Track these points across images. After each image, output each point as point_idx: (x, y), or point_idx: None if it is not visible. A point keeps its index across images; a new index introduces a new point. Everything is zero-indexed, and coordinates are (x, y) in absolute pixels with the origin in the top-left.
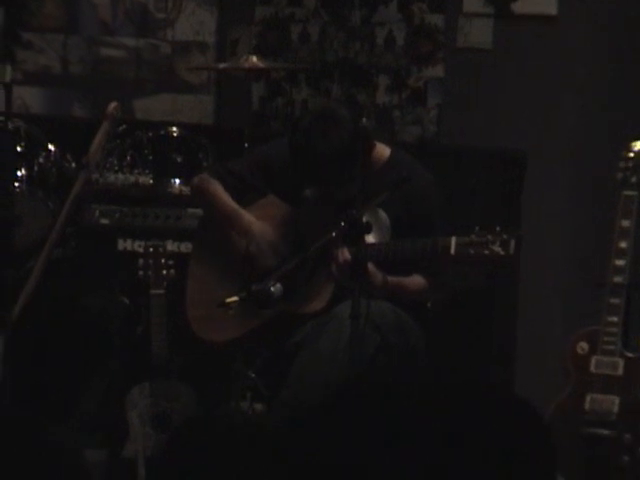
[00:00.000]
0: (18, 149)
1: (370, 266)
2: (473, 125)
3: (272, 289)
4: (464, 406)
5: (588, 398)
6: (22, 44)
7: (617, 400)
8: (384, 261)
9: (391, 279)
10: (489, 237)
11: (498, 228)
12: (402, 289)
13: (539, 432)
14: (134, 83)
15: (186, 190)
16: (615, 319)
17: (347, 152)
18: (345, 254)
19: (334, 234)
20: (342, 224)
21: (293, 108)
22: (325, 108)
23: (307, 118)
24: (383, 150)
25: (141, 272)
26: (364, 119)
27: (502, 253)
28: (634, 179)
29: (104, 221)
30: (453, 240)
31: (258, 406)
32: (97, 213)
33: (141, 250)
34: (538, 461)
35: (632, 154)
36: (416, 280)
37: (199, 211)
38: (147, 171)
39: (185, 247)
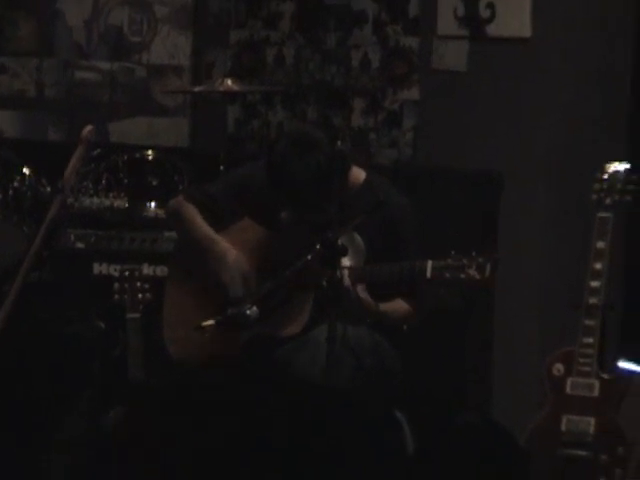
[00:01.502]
0: None
1: (363, 294)
2: (449, 147)
3: (248, 312)
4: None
5: (564, 419)
6: None
7: (593, 421)
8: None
9: (382, 306)
10: (465, 261)
11: (474, 252)
12: (391, 315)
13: (514, 454)
14: (109, 106)
15: (162, 213)
16: (591, 340)
17: (323, 176)
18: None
19: (310, 257)
20: (318, 247)
21: (269, 130)
22: (301, 131)
23: (283, 141)
24: (358, 174)
25: (117, 296)
26: (339, 142)
27: (478, 277)
28: (609, 201)
29: (80, 245)
30: (429, 264)
31: None
32: (72, 237)
33: (117, 274)
34: None
35: (606, 176)
36: (402, 306)
37: (175, 234)
38: (122, 194)
39: (161, 270)
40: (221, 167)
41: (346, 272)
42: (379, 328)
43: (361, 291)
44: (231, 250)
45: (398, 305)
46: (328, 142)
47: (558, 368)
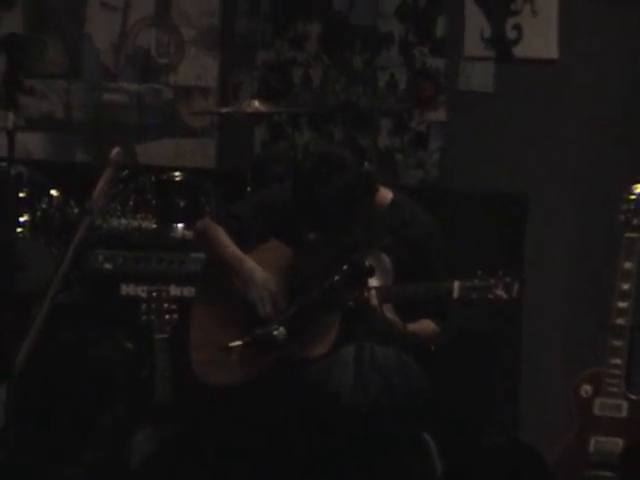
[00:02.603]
0: (21, 195)
1: (390, 313)
2: (475, 168)
3: (275, 333)
4: (469, 449)
5: (592, 441)
6: (25, 90)
7: (621, 442)
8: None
9: (410, 326)
10: (492, 281)
11: (501, 272)
12: (418, 336)
13: (542, 475)
14: (137, 128)
15: (189, 235)
16: (618, 361)
17: (350, 196)
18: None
19: (337, 278)
20: (345, 268)
21: (295, 152)
22: (328, 152)
23: (310, 162)
24: (385, 194)
25: (144, 317)
26: (366, 163)
27: (505, 297)
28: (636, 221)
29: (107, 266)
30: (456, 284)
31: None
32: (100, 258)
33: (144, 295)
34: None
35: (634, 196)
36: (429, 326)
37: (202, 255)
38: (150, 216)
39: (188, 291)
40: (248, 188)
41: (373, 292)
42: (406, 348)
43: (388, 311)
44: (259, 270)
45: (425, 325)
46: (355, 162)
47: (586, 389)
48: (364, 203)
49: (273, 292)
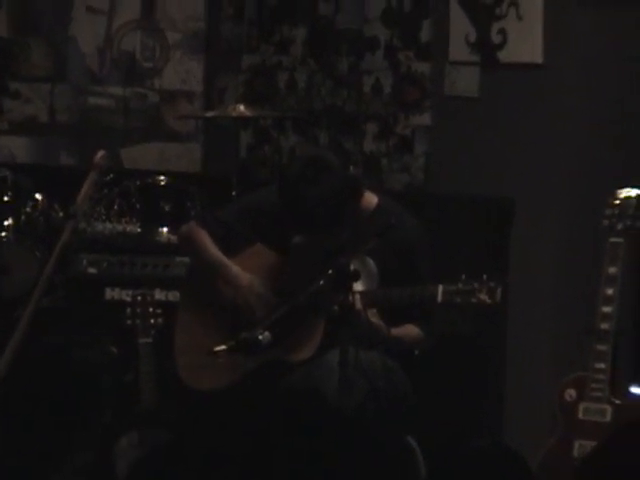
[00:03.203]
0: (5, 198)
1: (374, 318)
2: (461, 173)
3: (260, 337)
4: (453, 453)
5: (576, 444)
6: (9, 93)
7: None
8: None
9: (394, 331)
10: (476, 285)
11: (485, 276)
12: (402, 340)
13: (525, 478)
14: (122, 132)
15: (174, 239)
16: (603, 366)
17: (336, 198)
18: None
19: (322, 282)
20: (330, 272)
21: (281, 156)
22: (314, 154)
23: (296, 164)
24: (371, 198)
25: (129, 321)
26: (352, 167)
27: (489, 301)
28: (620, 226)
29: (92, 270)
30: (440, 288)
31: None
32: (85, 262)
33: (129, 299)
34: None
35: (618, 201)
36: (413, 330)
37: (187, 260)
38: (135, 220)
39: (173, 296)
40: (233, 192)
41: (358, 296)
42: (391, 353)
43: (372, 315)
44: (243, 273)
45: (409, 329)
46: (341, 166)
47: (570, 393)
48: (350, 206)
49: (258, 295)
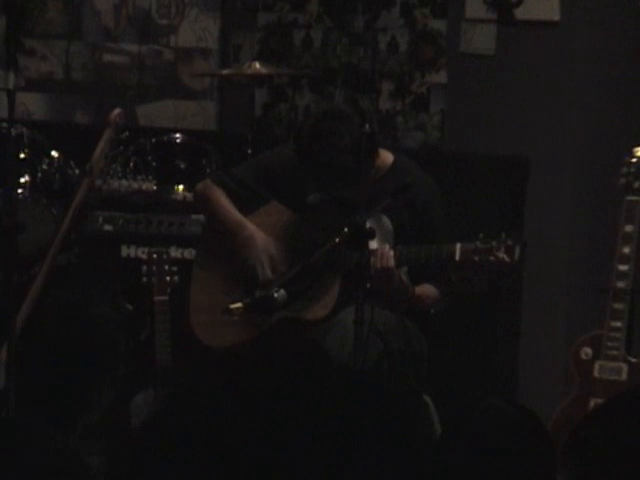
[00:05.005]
0: (21, 156)
1: (402, 275)
2: (476, 131)
3: (276, 295)
4: (468, 411)
5: (592, 403)
6: (24, 51)
7: None
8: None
9: (417, 289)
10: (494, 244)
11: (503, 235)
12: (422, 300)
13: (540, 436)
14: (137, 89)
15: (190, 197)
16: (619, 324)
17: (353, 151)
18: (387, 259)
19: (337, 240)
20: (345, 230)
21: (296, 114)
22: (331, 108)
23: (313, 117)
24: (386, 156)
25: (145, 278)
26: (367, 125)
27: (507, 260)
28: (637, 184)
29: (108, 228)
30: (458, 247)
31: None
32: (101, 220)
33: (145, 257)
34: (538, 464)
35: (635, 159)
36: (430, 290)
37: (203, 218)
38: (150, 177)
39: (189, 253)
40: (249, 150)
41: (391, 253)
42: (407, 312)
43: (403, 273)
44: (258, 233)
45: (427, 288)
46: (357, 119)
47: (586, 352)
48: (366, 162)
49: (272, 255)
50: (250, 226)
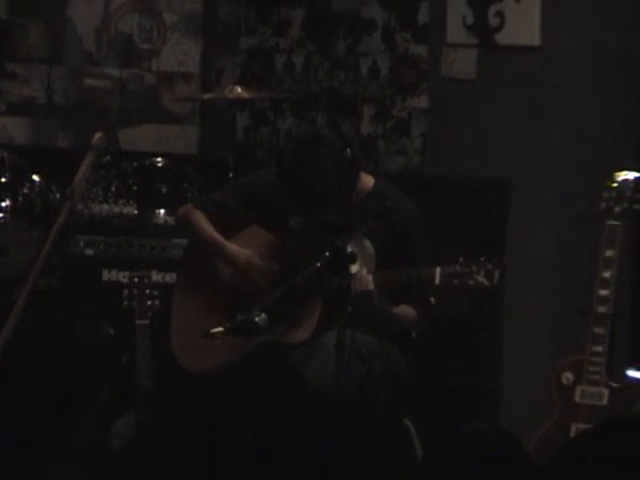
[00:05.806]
0: (2, 180)
1: (377, 295)
2: (457, 155)
3: (257, 319)
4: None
5: (573, 428)
6: (6, 74)
7: None
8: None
9: (395, 309)
10: (473, 267)
11: (482, 258)
12: (399, 320)
13: (521, 460)
14: (118, 113)
15: (171, 220)
16: (600, 349)
17: (334, 176)
18: (367, 283)
19: (319, 264)
20: (327, 254)
21: (278, 138)
22: (313, 131)
23: (295, 141)
24: (367, 180)
25: (126, 302)
26: (348, 149)
27: (487, 283)
28: (618, 209)
29: (89, 252)
30: (437, 270)
31: None
32: (82, 243)
33: (126, 280)
34: None
35: (616, 184)
36: (408, 311)
37: (184, 241)
38: (132, 201)
39: (170, 277)
40: (230, 174)
41: (370, 277)
42: (387, 335)
43: (383, 296)
44: (241, 251)
45: (405, 310)
46: (338, 143)
47: (567, 377)
48: (347, 186)
49: (259, 267)
50: (232, 246)
